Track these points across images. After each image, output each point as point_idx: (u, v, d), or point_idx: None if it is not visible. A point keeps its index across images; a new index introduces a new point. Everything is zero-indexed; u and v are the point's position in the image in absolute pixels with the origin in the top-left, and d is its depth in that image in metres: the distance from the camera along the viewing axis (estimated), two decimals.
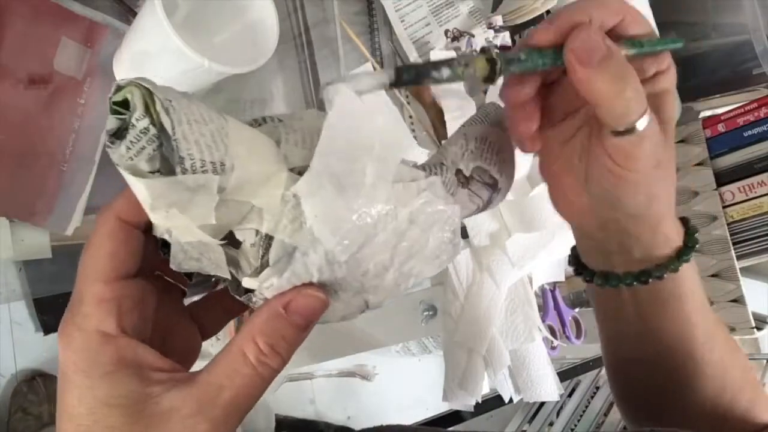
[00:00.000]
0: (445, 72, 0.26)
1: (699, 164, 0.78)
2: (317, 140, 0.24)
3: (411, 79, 0.25)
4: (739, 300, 0.75)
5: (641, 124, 0.27)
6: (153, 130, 0.21)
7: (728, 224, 0.75)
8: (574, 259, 0.38)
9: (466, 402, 0.63)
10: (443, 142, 0.31)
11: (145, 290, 0.25)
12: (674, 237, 0.33)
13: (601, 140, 0.28)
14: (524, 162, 0.65)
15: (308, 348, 0.73)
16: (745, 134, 0.74)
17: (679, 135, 0.79)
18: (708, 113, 0.81)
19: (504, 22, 0.72)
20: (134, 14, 0.52)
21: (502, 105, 0.32)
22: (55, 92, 0.49)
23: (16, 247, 0.47)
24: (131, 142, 0.21)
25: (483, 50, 0.27)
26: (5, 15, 0.46)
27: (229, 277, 0.24)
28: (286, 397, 1.42)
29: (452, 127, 0.65)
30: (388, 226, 0.25)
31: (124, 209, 0.23)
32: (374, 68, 0.65)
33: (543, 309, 0.74)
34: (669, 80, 0.30)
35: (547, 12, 0.74)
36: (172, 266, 0.23)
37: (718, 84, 0.78)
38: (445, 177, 0.28)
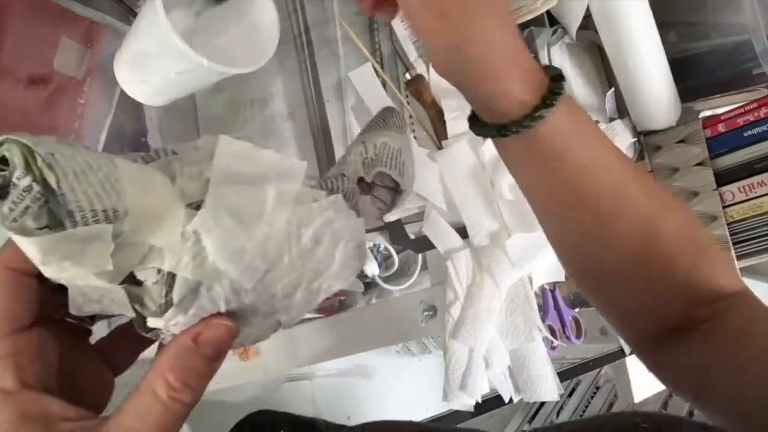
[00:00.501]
0: None
1: (699, 164, 0.78)
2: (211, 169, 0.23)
3: None
4: None
5: None
6: (36, 188, 0.20)
7: (728, 224, 0.75)
8: (472, 116, 0.37)
9: (466, 402, 0.63)
10: (344, 153, 0.32)
11: (45, 338, 0.23)
12: (523, 91, 0.32)
13: None
14: None
15: (308, 348, 0.73)
16: (745, 134, 0.74)
17: (679, 135, 0.79)
18: (708, 113, 0.80)
19: None
20: (134, 14, 0.52)
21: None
22: (55, 92, 0.49)
23: None
24: (14, 202, 0.20)
25: None
26: (5, 15, 0.46)
27: (133, 314, 0.24)
28: (286, 397, 1.42)
29: (452, 127, 0.65)
30: (292, 249, 0.25)
31: (12, 257, 0.22)
32: (375, 70, 0.65)
33: (543, 309, 0.74)
34: None
35: (548, 12, 0.74)
36: (72, 311, 0.22)
37: (718, 84, 0.77)
38: (346, 188, 0.29)
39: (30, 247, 0.20)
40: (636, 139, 0.79)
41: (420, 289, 0.71)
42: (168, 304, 0.23)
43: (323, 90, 0.61)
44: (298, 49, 0.62)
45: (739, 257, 0.75)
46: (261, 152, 0.25)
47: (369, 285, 0.87)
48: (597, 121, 0.72)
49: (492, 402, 0.67)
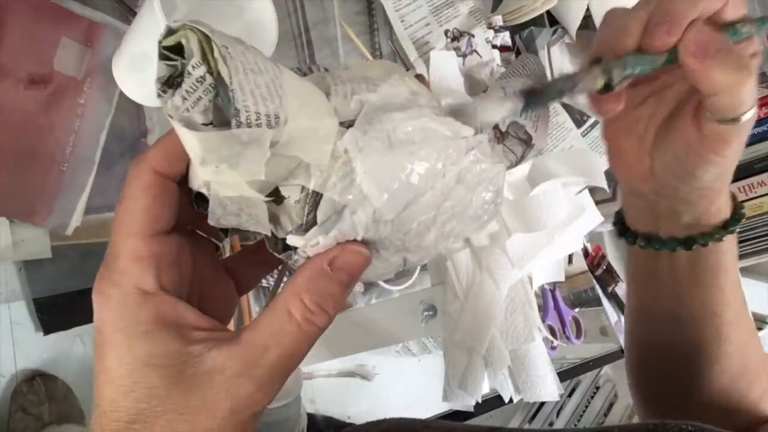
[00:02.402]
0: (568, 89, 0.27)
1: None
2: (365, 91, 0.23)
3: (534, 105, 0.26)
4: None
5: (748, 115, 0.27)
6: (210, 79, 0.19)
7: None
8: (619, 220, 0.39)
9: (466, 402, 0.63)
10: (481, 93, 0.31)
11: (182, 246, 0.23)
12: (725, 208, 0.34)
13: (698, 123, 0.29)
14: (524, 163, 0.65)
15: None
16: None
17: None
18: None
19: (504, 22, 0.72)
20: (134, 14, 0.52)
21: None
22: (55, 92, 0.49)
23: (16, 247, 0.47)
24: (187, 92, 0.19)
25: (594, 61, 0.27)
26: (5, 15, 0.46)
27: (269, 233, 0.23)
28: None
29: None
30: (436, 184, 0.24)
31: (160, 161, 0.22)
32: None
33: (543, 309, 0.74)
34: (759, 62, 0.30)
35: (548, 12, 0.74)
36: (211, 222, 0.21)
37: None
38: (486, 132, 0.27)
39: (194, 143, 0.20)
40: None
41: (420, 289, 0.71)
42: (308, 224, 0.22)
43: None
44: (298, 49, 0.62)
45: (739, 257, 0.75)
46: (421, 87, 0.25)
47: (369, 285, 0.87)
48: (596, 121, 0.72)
49: (492, 402, 0.67)
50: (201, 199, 0.23)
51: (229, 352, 0.21)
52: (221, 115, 0.20)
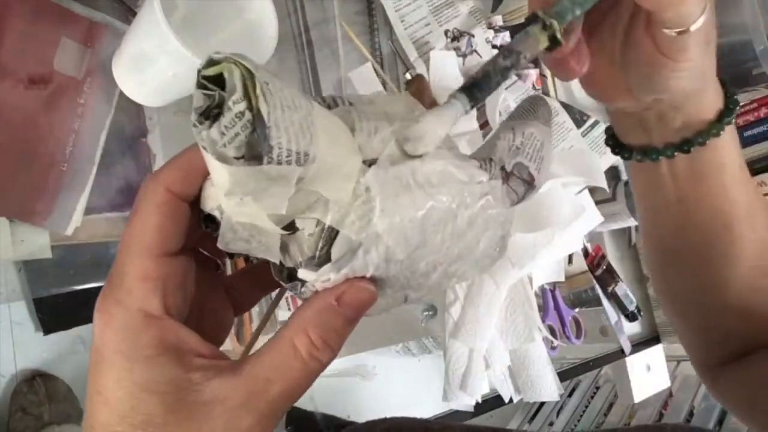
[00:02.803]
0: (512, 62, 0.25)
1: None
2: (388, 130, 0.23)
3: (482, 94, 0.25)
4: None
5: (697, 24, 0.26)
6: (248, 116, 0.19)
7: None
8: (611, 137, 0.38)
9: (466, 402, 0.63)
10: (491, 133, 0.31)
11: (188, 268, 0.23)
12: (715, 101, 0.32)
13: (652, 37, 0.28)
14: None
15: None
16: (745, 134, 0.74)
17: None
18: None
19: (504, 22, 0.72)
20: (134, 14, 0.52)
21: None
22: (55, 92, 0.49)
23: (16, 247, 0.47)
24: (225, 126, 0.19)
25: (529, 20, 0.26)
26: (5, 15, 0.46)
27: (278, 262, 0.23)
28: None
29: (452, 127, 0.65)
30: (447, 226, 0.24)
31: (174, 180, 0.22)
32: (375, 70, 0.65)
33: (543, 309, 0.74)
34: None
35: None
36: (220, 245, 0.21)
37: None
38: (494, 173, 0.27)
39: (224, 175, 0.20)
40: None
41: None
42: (321, 259, 0.22)
43: (323, 90, 0.61)
44: (298, 49, 0.62)
45: None
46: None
47: None
48: (597, 121, 0.72)
49: (492, 402, 0.67)
50: (210, 220, 0.23)
51: (230, 382, 0.21)
52: (252, 150, 0.20)
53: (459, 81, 0.68)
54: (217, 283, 0.27)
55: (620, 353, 0.86)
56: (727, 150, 0.34)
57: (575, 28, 0.28)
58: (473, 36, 0.69)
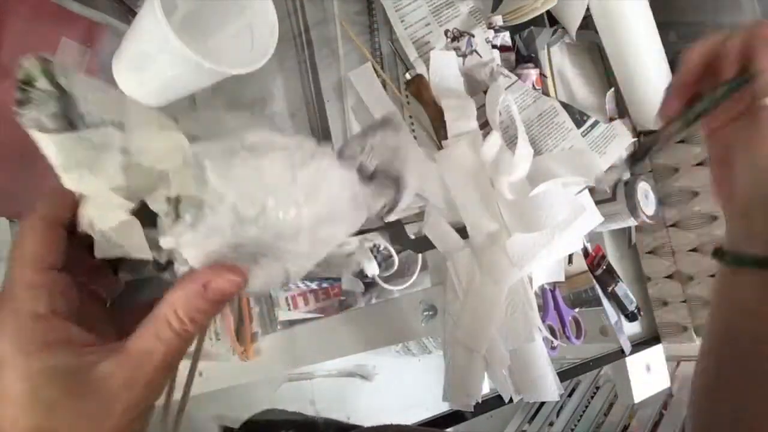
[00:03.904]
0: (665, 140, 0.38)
1: (699, 164, 0.78)
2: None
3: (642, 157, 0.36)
4: None
5: None
6: (53, 89, 0.24)
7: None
8: (719, 249, 0.39)
9: (466, 402, 0.63)
10: (348, 138, 0.34)
11: (71, 285, 0.26)
12: None
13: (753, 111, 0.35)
14: (524, 163, 0.65)
15: (308, 348, 0.73)
16: None
17: (679, 135, 0.79)
18: None
19: (504, 22, 0.72)
20: (134, 14, 0.52)
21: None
22: None
23: None
24: (37, 103, 0.24)
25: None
26: (5, 15, 0.46)
27: (151, 258, 0.26)
28: (286, 397, 1.42)
29: (452, 127, 0.65)
30: (289, 189, 0.27)
31: (46, 212, 0.26)
32: (375, 70, 0.65)
33: (543, 309, 0.74)
34: None
35: (548, 12, 0.74)
36: (98, 255, 0.25)
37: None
38: (347, 159, 0.31)
39: (51, 147, 0.24)
40: (636, 139, 0.79)
41: (420, 289, 0.71)
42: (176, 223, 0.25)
43: (323, 90, 0.61)
44: (298, 49, 0.62)
45: None
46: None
47: (369, 285, 0.87)
48: (597, 121, 0.72)
49: (492, 402, 0.67)
50: (92, 247, 0.26)
51: (118, 359, 0.24)
52: (72, 123, 0.24)
53: (459, 81, 0.68)
54: (103, 312, 0.30)
55: (620, 353, 0.86)
56: None
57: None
58: (473, 36, 0.69)
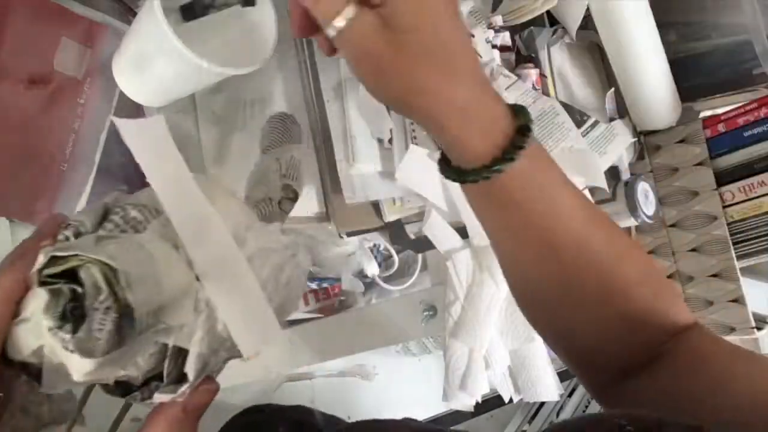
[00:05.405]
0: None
1: (699, 164, 0.78)
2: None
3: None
4: (739, 300, 0.75)
5: (338, 23, 0.30)
6: (114, 307, 0.19)
7: (728, 224, 0.75)
8: (442, 159, 0.37)
9: (466, 402, 0.63)
10: (254, 170, 0.35)
11: None
12: (476, 143, 0.32)
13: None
14: None
15: (309, 348, 0.73)
16: (746, 134, 0.74)
17: (679, 135, 0.79)
18: (708, 113, 0.80)
19: (504, 22, 0.72)
20: (134, 14, 0.52)
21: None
22: (55, 92, 0.49)
23: None
24: (98, 328, 0.19)
25: None
26: (5, 15, 0.46)
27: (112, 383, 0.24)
28: (286, 397, 1.42)
29: None
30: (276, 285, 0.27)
31: None
32: None
33: None
34: None
35: (548, 12, 0.74)
36: (45, 390, 0.22)
37: (718, 84, 0.77)
38: (274, 211, 0.31)
39: (85, 366, 0.20)
40: (636, 139, 0.79)
41: (420, 289, 0.71)
42: (172, 377, 0.23)
43: (323, 90, 0.61)
44: (298, 49, 0.62)
45: (739, 257, 0.75)
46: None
47: (369, 285, 0.87)
48: (596, 121, 0.72)
49: (492, 402, 0.67)
50: (23, 367, 0.22)
51: None
52: (118, 336, 0.20)
53: None
54: None
55: None
56: (518, 191, 0.33)
57: None
58: (473, 36, 0.69)
